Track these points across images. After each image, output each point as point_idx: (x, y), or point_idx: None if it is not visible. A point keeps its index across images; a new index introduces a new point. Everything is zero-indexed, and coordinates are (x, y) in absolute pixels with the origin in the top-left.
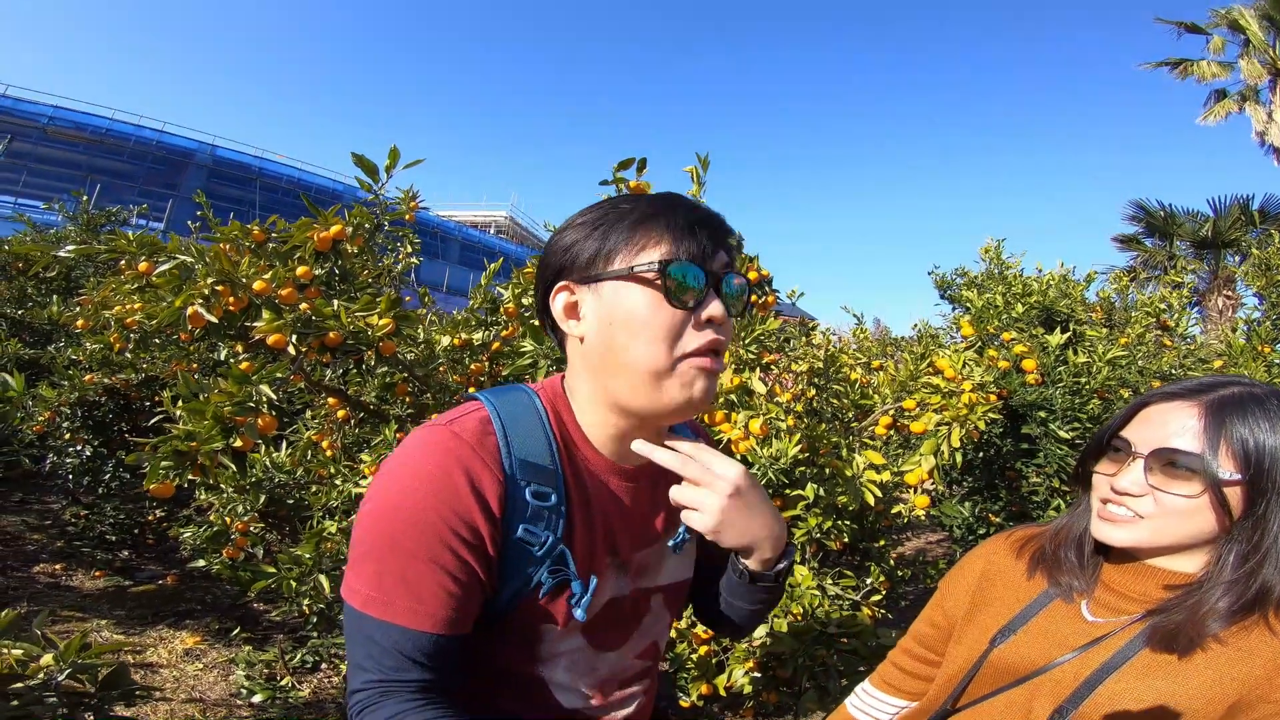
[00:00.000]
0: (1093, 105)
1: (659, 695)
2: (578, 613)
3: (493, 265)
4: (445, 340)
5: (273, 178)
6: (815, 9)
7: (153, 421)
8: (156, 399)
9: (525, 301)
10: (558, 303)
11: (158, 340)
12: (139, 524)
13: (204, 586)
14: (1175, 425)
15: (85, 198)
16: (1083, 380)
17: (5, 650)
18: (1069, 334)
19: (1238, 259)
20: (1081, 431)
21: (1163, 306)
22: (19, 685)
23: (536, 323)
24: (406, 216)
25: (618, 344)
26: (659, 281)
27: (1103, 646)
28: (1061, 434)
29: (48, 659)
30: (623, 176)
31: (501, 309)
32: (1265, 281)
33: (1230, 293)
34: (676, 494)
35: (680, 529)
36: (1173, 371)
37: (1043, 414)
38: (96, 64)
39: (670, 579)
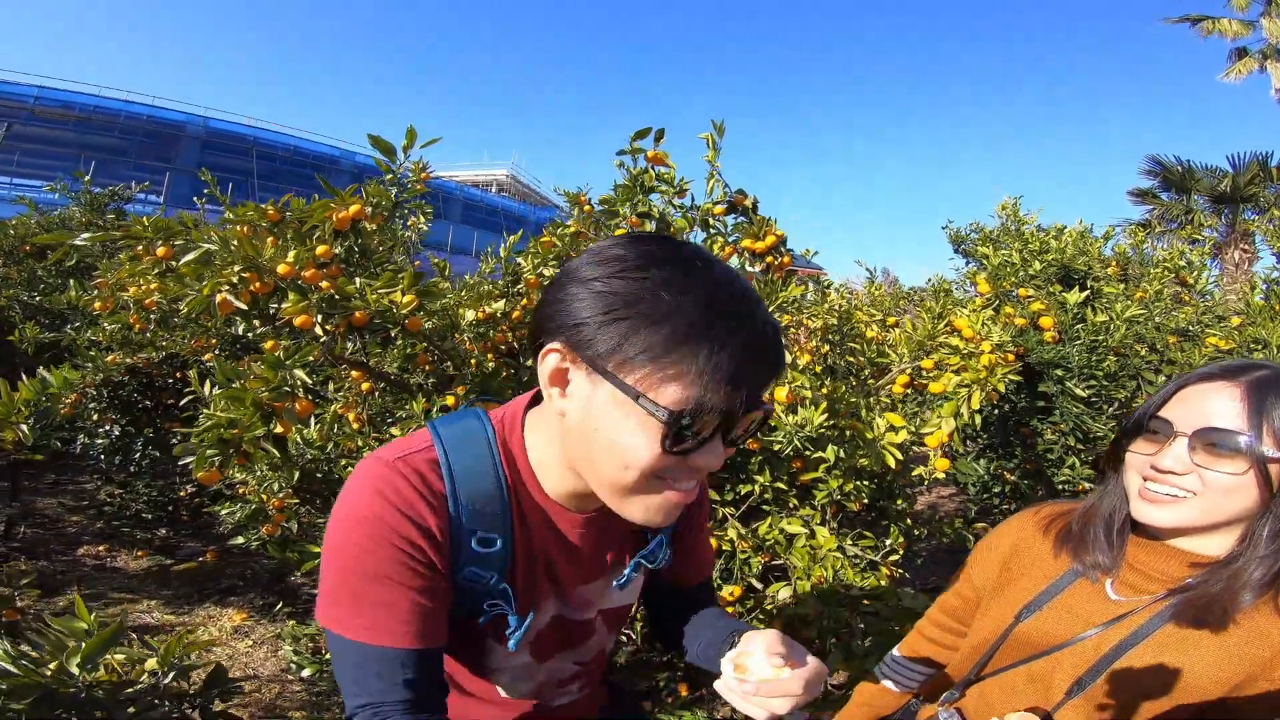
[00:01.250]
0: (1112, 59)
1: (607, 674)
2: (510, 643)
3: (512, 237)
4: (470, 314)
5: (268, 146)
6: None
7: (181, 402)
8: (179, 376)
9: (545, 272)
10: (546, 364)
11: (177, 319)
12: (173, 501)
13: (243, 562)
14: (1217, 406)
15: (86, 177)
16: (1100, 338)
17: (109, 655)
18: (1087, 292)
19: (1256, 214)
20: (1097, 389)
21: (1181, 262)
22: (131, 691)
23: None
24: (420, 190)
25: (594, 449)
26: (665, 429)
27: (1124, 624)
28: (1078, 392)
29: (152, 663)
30: (640, 147)
31: (523, 279)
32: None
33: (1247, 246)
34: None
35: (627, 570)
36: (1190, 328)
37: (1059, 372)
38: (75, 42)
39: (614, 604)
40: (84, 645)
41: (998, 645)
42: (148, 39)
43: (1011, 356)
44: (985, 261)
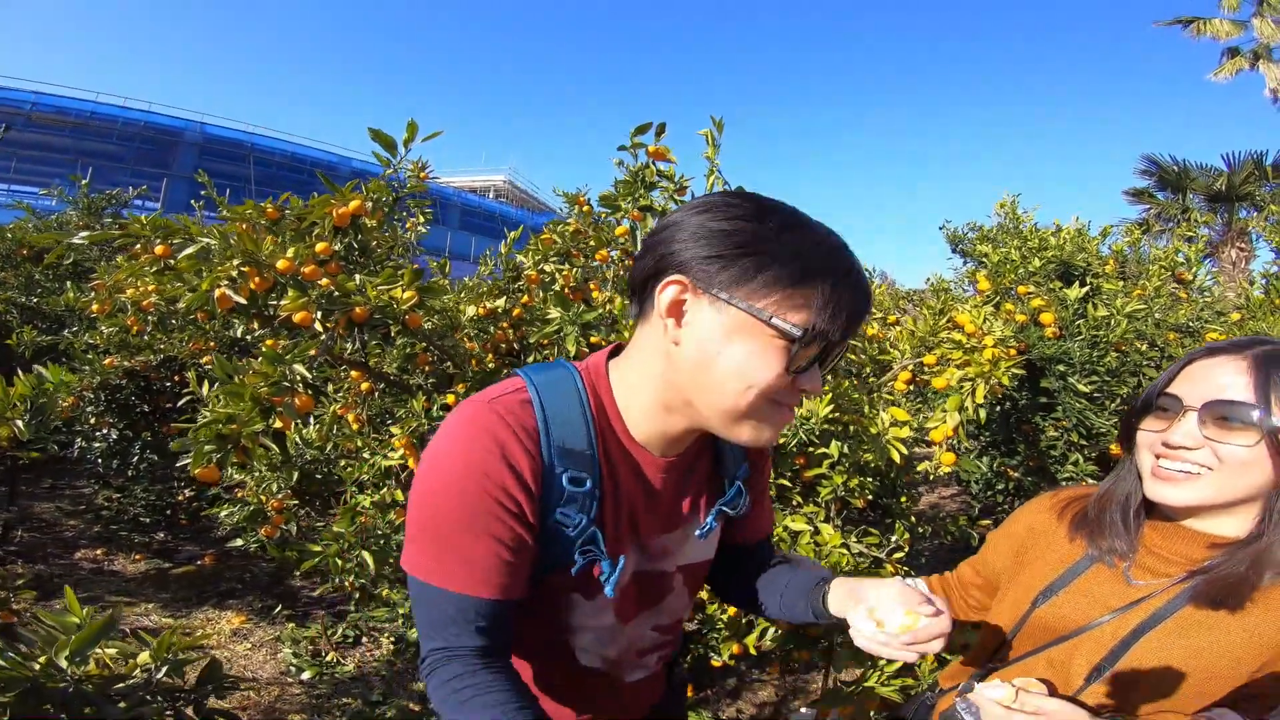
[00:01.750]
0: (1105, 60)
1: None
2: (607, 589)
3: (513, 234)
4: (471, 310)
5: (265, 152)
6: None
7: (181, 403)
8: (177, 379)
9: (546, 269)
10: (665, 296)
11: (174, 321)
12: (171, 505)
13: (241, 565)
14: (1225, 379)
15: (84, 182)
16: (1101, 334)
17: (100, 650)
18: (1087, 288)
19: (1252, 212)
20: (1099, 385)
21: (1179, 259)
22: (122, 685)
23: (558, 289)
24: (419, 188)
25: (715, 373)
26: (790, 346)
27: (1142, 607)
28: (1080, 388)
29: (144, 656)
30: (640, 142)
31: (524, 276)
32: None
33: (1244, 244)
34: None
35: (709, 519)
36: (1190, 324)
37: (1061, 368)
38: (71, 48)
39: (692, 559)
40: (73, 638)
41: (1016, 631)
42: (144, 45)
43: (1014, 351)
44: (985, 259)
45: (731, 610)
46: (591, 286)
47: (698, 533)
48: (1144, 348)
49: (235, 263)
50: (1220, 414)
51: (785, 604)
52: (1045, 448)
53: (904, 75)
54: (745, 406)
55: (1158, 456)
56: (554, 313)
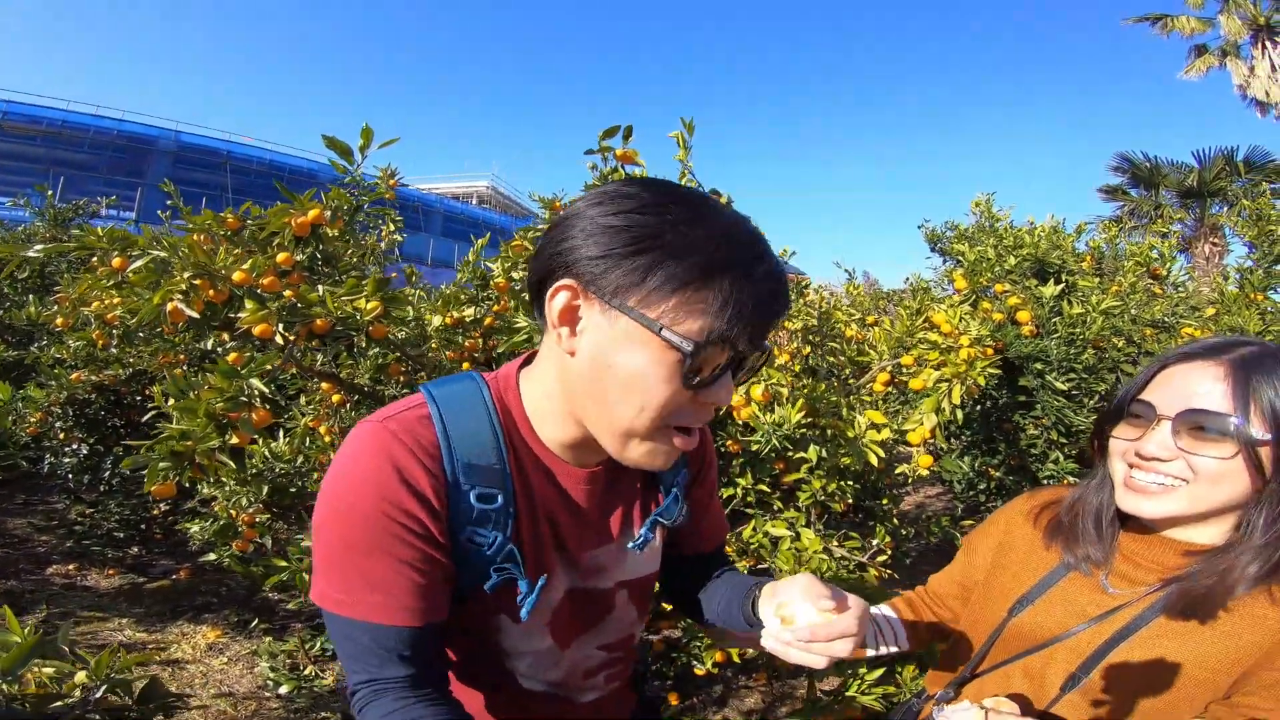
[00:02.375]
0: (1076, 58)
1: (637, 664)
2: (523, 612)
3: (480, 240)
4: (437, 320)
5: (243, 160)
6: None
7: (147, 417)
8: (147, 393)
9: (515, 275)
10: (556, 302)
11: (142, 334)
12: (145, 519)
13: (217, 579)
14: (1200, 386)
15: (50, 192)
16: (1077, 331)
17: (37, 669)
18: (1062, 285)
19: (1223, 207)
20: (1077, 382)
21: (1153, 255)
22: (59, 705)
23: (527, 298)
24: (386, 195)
25: (606, 389)
26: (684, 360)
27: (1119, 616)
28: (1058, 385)
29: (81, 676)
30: (609, 145)
31: (491, 283)
32: (1257, 231)
33: (1217, 240)
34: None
35: (643, 530)
36: (1165, 319)
37: (1039, 366)
38: (42, 57)
39: (633, 574)
40: (3, 656)
41: (993, 640)
42: (118, 53)
43: (990, 350)
44: (961, 258)
45: None
46: None
47: (631, 545)
48: (1121, 344)
49: (186, 275)
50: (1195, 424)
51: (722, 611)
52: (1026, 446)
53: (881, 77)
54: (641, 427)
55: (1131, 466)
56: (522, 321)
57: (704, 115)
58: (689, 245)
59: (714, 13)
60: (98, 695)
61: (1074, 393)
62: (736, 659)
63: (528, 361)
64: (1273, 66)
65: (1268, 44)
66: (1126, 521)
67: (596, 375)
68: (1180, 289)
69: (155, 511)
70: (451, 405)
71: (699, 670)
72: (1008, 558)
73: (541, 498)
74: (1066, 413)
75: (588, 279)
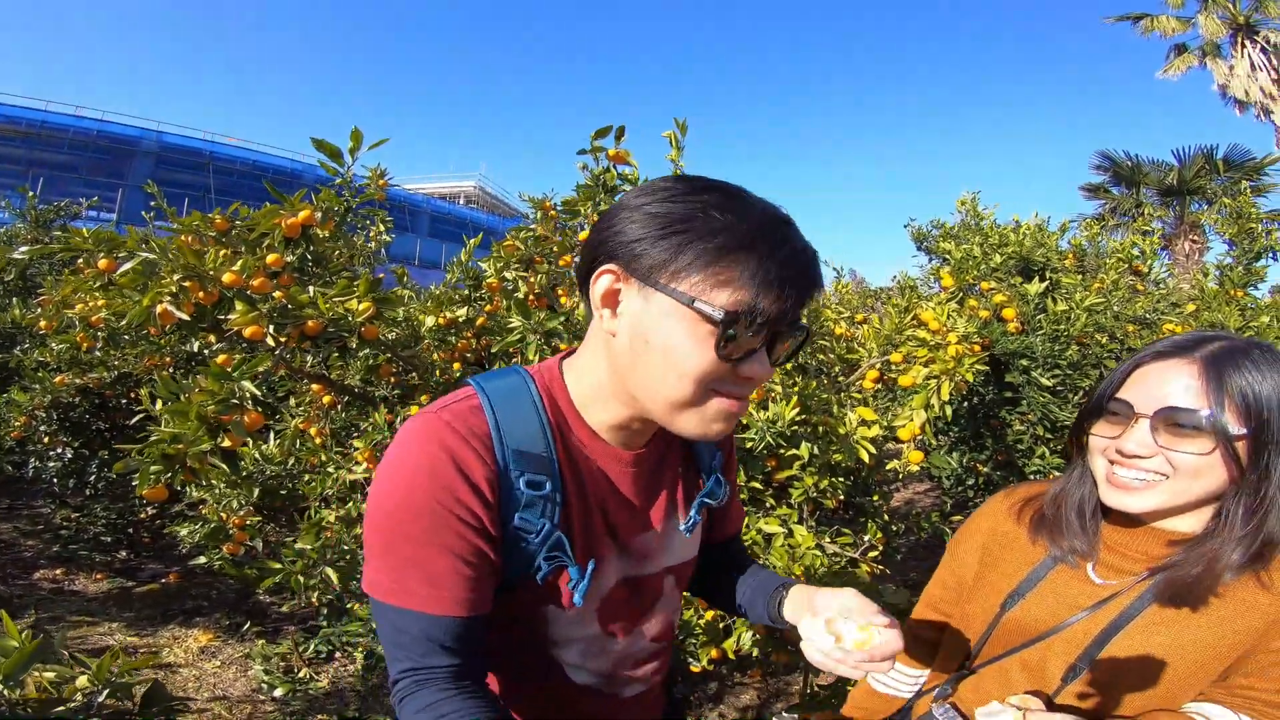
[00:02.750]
0: (1059, 57)
1: (668, 669)
2: (576, 598)
3: (473, 240)
4: (430, 320)
5: (226, 161)
6: None
7: (134, 421)
8: (132, 396)
9: (507, 275)
10: (599, 286)
11: (127, 336)
12: (132, 523)
13: (207, 582)
14: (1175, 384)
15: (32, 194)
16: (1061, 328)
17: (37, 674)
18: (1047, 283)
19: (1203, 205)
20: (1062, 378)
21: (1135, 252)
22: (61, 710)
23: (521, 297)
24: (376, 196)
25: (649, 364)
26: (717, 330)
27: (1111, 605)
28: (1043, 381)
29: (83, 680)
30: (601, 145)
31: (484, 284)
32: (1237, 229)
33: (1196, 237)
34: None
35: (692, 513)
36: (1147, 316)
37: (1025, 362)
38: (19, 56)
39: (679, 559)
40: (4, 661)
41: (988, 635)
42: (96, 55)
43: (978, 347)
44: (948, 257)
45: (709, 615)
46: (560, 293)
47: (682, 527)
48: (1104, 340)
49: (176, 278)
50: (1173, 420)
51: (748, 603)
52: (1012, 442)
53: (867, 77)
54: (683, 397)
55: (1112, 463)
56: (515, 321)
57: (696, 115)
58: (719, 226)
59: (707, 14)
60: (100, 700)
61: (1059, 388)
62: (731, 655)
63: (569, 355)
64: (1252, 65)
65: (1247, 43)
66: (1109, 513)
67: (637, 351)
68: (1161, 286)
69: (143, 515)
70: (500, 396)
71: (694, 667)
72: (995, 554)
73: (592, 485)
74: (1052, 408)
75: (626, 261)
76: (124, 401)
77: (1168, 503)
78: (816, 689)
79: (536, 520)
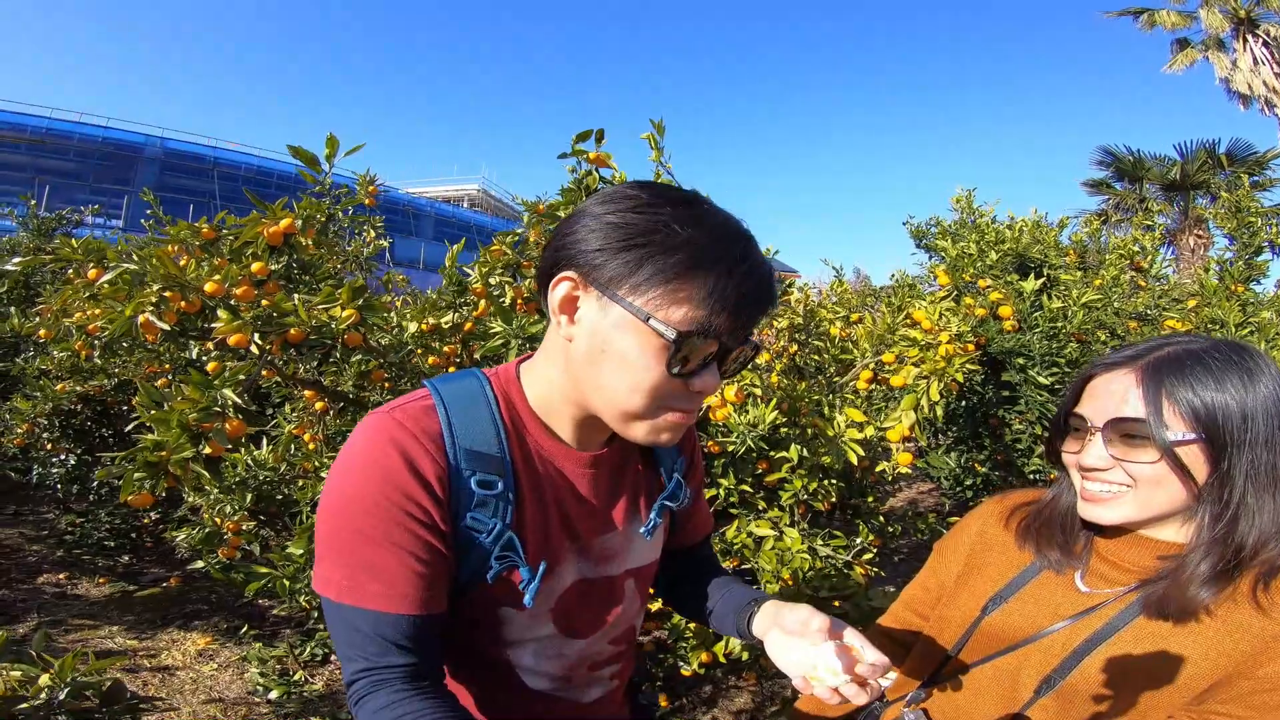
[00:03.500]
0: (1059, 53)
1: (635, 671)
2: (526, 598)
3: (455, 246)
4: (413, 326)
5: (230, 166)
6: None
7: (130, 427)
8: (134, 403)
9: (493, 280)
10: (557, 292)
11: (125, 344)
12: (135, 528)
13: (207, 586)
14: (1119, 393)
15: (34, 202)
16: (1059, 325)
17: (4, 671)
18: (1043, 279)
19: (1207, 200)
20: (1060, 376)
21: (1136, 248)
22: (24, 707)
23: (505, 302)
24: (367, 201)
25: (603, 372)
26: (669, 348)
27: (1095, 616)
28: (1041, 380)
29: (45, 679)
30: (582, 149)
31: (469, 289)
32: (1236, 223)
33: (1201, 232)
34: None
35: (652, 515)
36: (1148, 312)
37: (1021, 360)
38: (23, 62)
39: (641, 561)
40: None
41: (964, 640)
42: (99, 61)
43: (971, 346)
44: (944, 254)
45: None
46: None
47: (642, 530)
48: (1105, 337)
49: (156, 288)
50: (1122, 431)
51: (717, 617)
52: (1011, 441)
53: (871, 72)
54: (635, 409)
55: (1082, 477)
56: (497, 326)
57: (698, 113)
58: (679, 242)
59: (710, 13)
60: (61, 697)
61: (1057, 387)
62: (722, 659)
63: (526, 360)
64: (1255, 60)
65: (1249, 37)
66: (1101, 525)
67: (592, 359)
68: (1164, 281)
69: (145, 520)
70: (454, 396)
71: (686, 671)
72: (982, 558)
73: (549, 486)
74: (1050, 407)
75: (586, 270)
76: (124, 408)
77: (1137, 514)
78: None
79: (488, 520)
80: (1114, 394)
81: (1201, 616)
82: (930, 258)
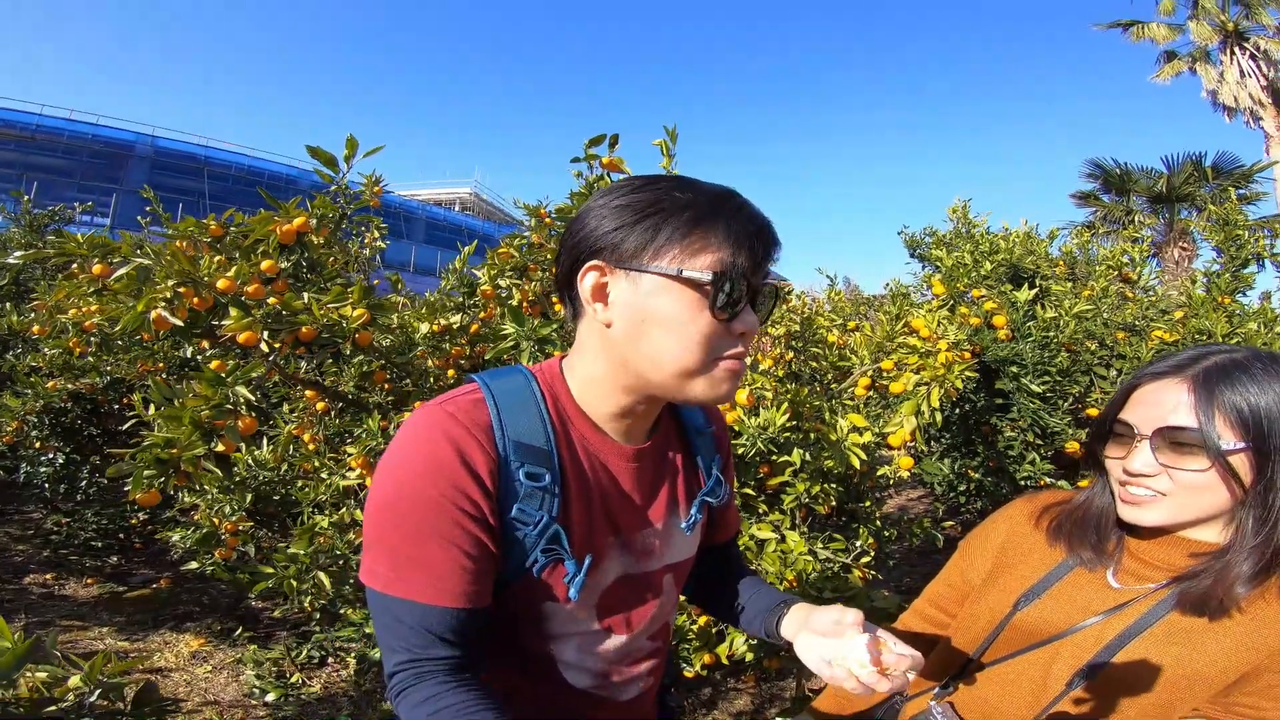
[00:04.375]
0: (1050, 65)
1: (664, 674)
2: (571, 592)
3: (467, 248)
4: (425, 327)
5: (221, 166)
6: None
7: (126, 426)
8: (126, 402)
9: (501, 283)
10: (586, 282)
11: (120, 342)
12: (124, 529)
13: (199, 588)
14: (1170, 403)
15: (26, 198)
16: (1051, 334)
17: (30, 674)
18: (1036, 289)
19: (1194, 213)
20: (1051, 384)
21: (1124, 260)
22: (53, 709)
23: (515, 304)
24: (371, 203)
25: (651, 340)
26: (708, 290)
27: (1126, 612)
28: (1033, 388)
29: (75, 680)
30: (595, 153)
31: (478, 291)
32: (1224, 236)
33: (1186, 244)
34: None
35: (693, 511)
36: (1136, 323)
37: (1014, 369)
38: (14, 58)
39: (679, 557)
40: None
41: (995, 635)
42: (90, 58)
43: (968, 354)
44: (939, 264)
45: (702, 620)
46: (554, 300)
47: (683, 525)
48: (1094, 347)
49: (171, 283)
50: (1171, 439)
51: (745, 617)
52: (1003, 448)
53: (865, 84)
54: (692, 363)
55: (1123, 482)
56: (509, 328)
57: (687, 122)
58: (684, 203)
59: (702, 19)
60: (91, 700)
61: (1049, 395)
62: (724, 661)
63: (565, 358)
64: (1241, 72)
65: (1236, 50)
66: (1130, 525)
67: (637, 332)
68: (1151, 293)
69: (134, 521)
70: (503, 390)
71: (688, 673)
72: (1012, 556)
73: (594, 479)
74: (1042, 415)
75: (608, 253)
76: (116, 407)
77: (1176, 516)
78: (809, 693)
79: (535, 512)
80: (1163, 403)
81: (1232, 613)
82: (924, 267)
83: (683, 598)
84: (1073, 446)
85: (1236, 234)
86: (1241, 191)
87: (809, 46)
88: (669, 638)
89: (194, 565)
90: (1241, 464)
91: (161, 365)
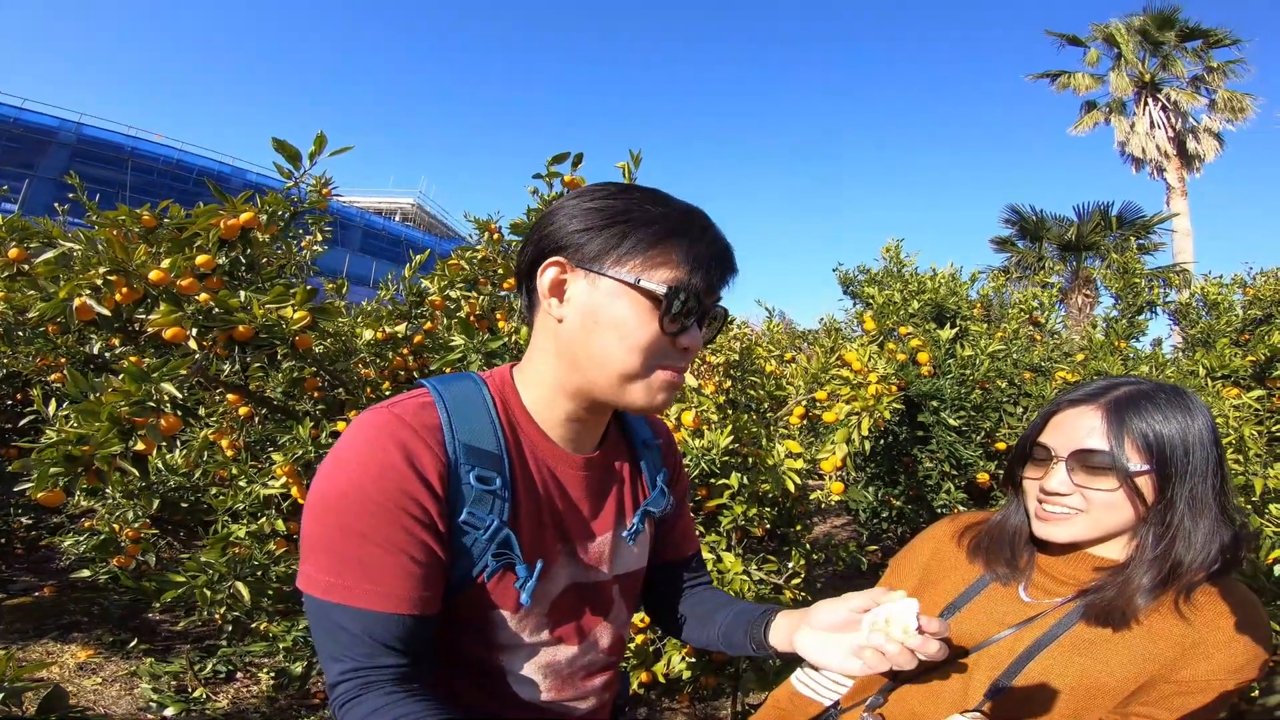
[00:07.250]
0: (982, 112)
1: (618, 693)
2: (523, 597)
3: (419, 256)
4: (368, 334)
5: (147, 158)
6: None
7: (23, 423)
8: (20, 396)
9: (451, 295)
10: (545, 277)
11: (21, 333)
12: (5, 533)
13: (88, 597)
14: (1084, 428)
15: None
16: (968, 372)
17: None
18: (957, 329)
19: (1098, 261)
20: (967, 419)
21: (1034, 305)
22: None
23: (463, 316)
24: (319, 205)
25: (598, 341)
26: (661, 304)
27: (1037, 624)
28: (950, 422)
29: None
30: (557, 170)
31: (427, 301)
32: (1123, 284)
33: (1089, 292)
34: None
35: (635, 519)
36: (1042, 364)
37: (935, 403)
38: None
39: (627, 568)
40: None
41: None
42: (23, 43)
43: (895, 387)
44: (871, 301)
45: (639, 639)
46: (498, 316)
47: (625, 534)
48: (1003, 385)
49: (102, 270)
50: (1085, 462)
51: (723, 635)
52: (922, 477)
53: (803, 124)
54: (632, 368)
55: (1040, 500)
56: (458, 340)
57: (637, 144)
58: (654, 216)
59: (649, 53)
60: None
61: (964, 429)
62: (662, 679)
63: (516, 365)
64: (1151, 123)
65: (1149, 101)
66: (1042, 542)
67: (587, 330)
68: (1056, 336)
69: (16, 525)
70: (453, 394)
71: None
72: (935, 573)
73: (543, 486)
74: (957, 447)
75: (572, 252)
76: (9, 403)
77: (1087, 533)
78: (747, 707)
79: (485, 516)
80: (1079, 428)
81: (1132, 624)
82: (855, 304)
83: (647, 619)
84: (983, 477)
85: (1134, 281)
86: (1141, 241)
87: (732, 79)
88: (622, 653)
89: (86, 573)
90: (1146, 485)
91: (63, 360)
